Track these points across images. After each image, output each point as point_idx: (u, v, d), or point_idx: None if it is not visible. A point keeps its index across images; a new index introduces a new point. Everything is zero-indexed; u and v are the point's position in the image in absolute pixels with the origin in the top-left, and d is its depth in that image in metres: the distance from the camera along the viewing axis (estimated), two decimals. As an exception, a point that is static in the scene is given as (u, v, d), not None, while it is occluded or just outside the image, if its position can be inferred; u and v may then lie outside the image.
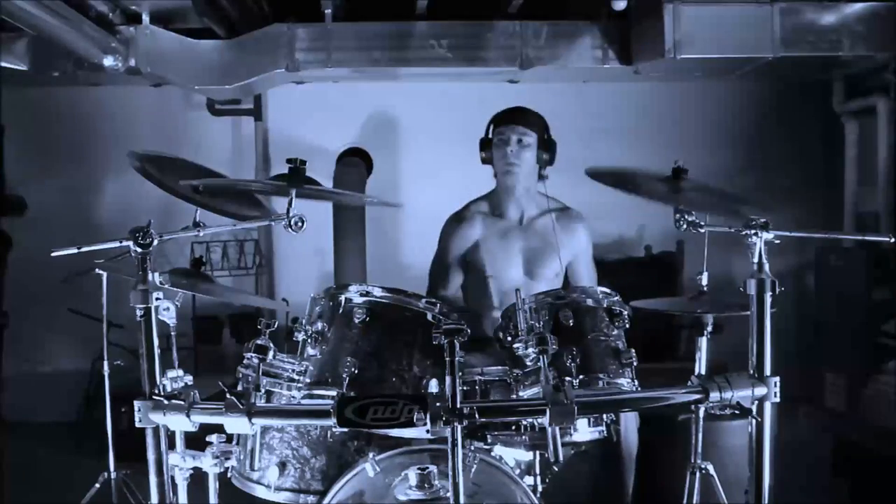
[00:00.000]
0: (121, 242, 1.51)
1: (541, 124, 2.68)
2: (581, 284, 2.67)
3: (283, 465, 1.80)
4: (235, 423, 1.44)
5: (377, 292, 1.79)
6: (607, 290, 1.87)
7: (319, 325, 1.76)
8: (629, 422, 2.34)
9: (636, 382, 1.78)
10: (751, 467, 1.50)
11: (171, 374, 1.95)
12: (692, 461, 2.29)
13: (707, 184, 2.00)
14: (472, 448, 1.72)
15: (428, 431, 1.32)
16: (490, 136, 2.69)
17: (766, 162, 5.05)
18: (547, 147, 2.66)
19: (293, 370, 1.72)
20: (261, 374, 1.59)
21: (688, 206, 1.79)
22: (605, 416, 1.81)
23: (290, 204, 1.71)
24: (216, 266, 4.67)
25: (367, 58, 4.29)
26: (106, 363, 2.63)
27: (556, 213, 2.71)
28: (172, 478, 1.82)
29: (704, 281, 2.21)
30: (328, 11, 4.16)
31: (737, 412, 1.53)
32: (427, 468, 1.57)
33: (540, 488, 1.87)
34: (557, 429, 1.40)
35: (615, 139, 4.99)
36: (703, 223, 1.80)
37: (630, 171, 2.07)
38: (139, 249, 1.46)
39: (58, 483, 3.52)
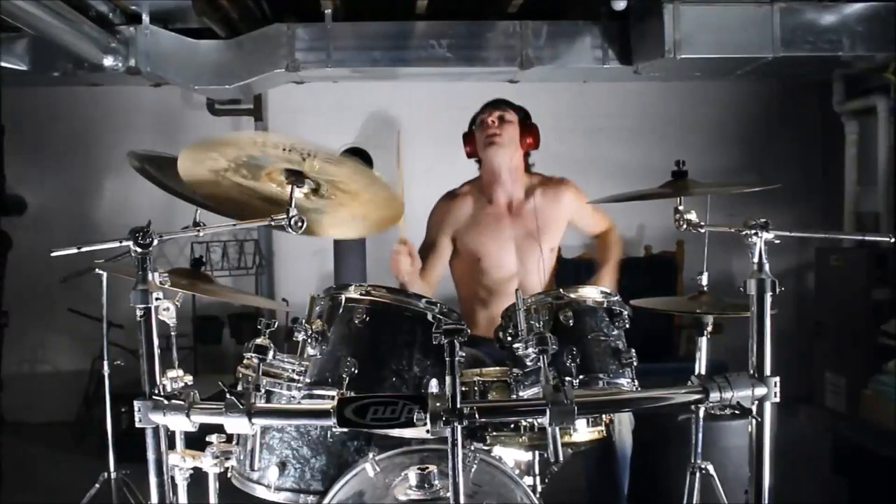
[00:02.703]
0: (121, 242, 1.50)
1: (521, 110, 2.73)
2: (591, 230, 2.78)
3: (283, 465, 1.79)
4: (235, 423, 1.44)
5: (377, 292, 1.78)
6: (607, 290, 1.86)
7: (319, 325, 1.75)
8: (622, 420, 2.34)
9: (636, 382, 1.78)
10: (751, 467, 1.50)
11: (171, 374, 1.95)
12: (692, 461, 2.29)
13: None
14: (472, 448, 1.72)
15: (428, 431, 1.32)
16: (473, 128, 2.74)
17: (766, 162, 5.06)
18: (529, 131, 2.69)
19: (293, 370, 1.71)
20: (261, 374, 1.59)
21: (692, 205, 1.79)
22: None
23: (290, 204, 1.71)
24: (216, 266, 4.67)
25: (367, 58, 4.30)
26: (106, 363, 2.63)
27: (541, 189, 2.72)
28: (172, 478, 1.82)
29: (704, 281, 2.21)
30: (328, 11, 4.17)
31: (737, 412, 1.53)
32: (427, 468, 1.57)
33: (539, 488, 1.87)
34: (557, 429, 1.40)
35: (615, 139, 4.99)
36: (703, 223, 1.80)
37: (626, 193, 2.15)
38: (139, 249, 1.45)
39: (58, 483, 3.52)
